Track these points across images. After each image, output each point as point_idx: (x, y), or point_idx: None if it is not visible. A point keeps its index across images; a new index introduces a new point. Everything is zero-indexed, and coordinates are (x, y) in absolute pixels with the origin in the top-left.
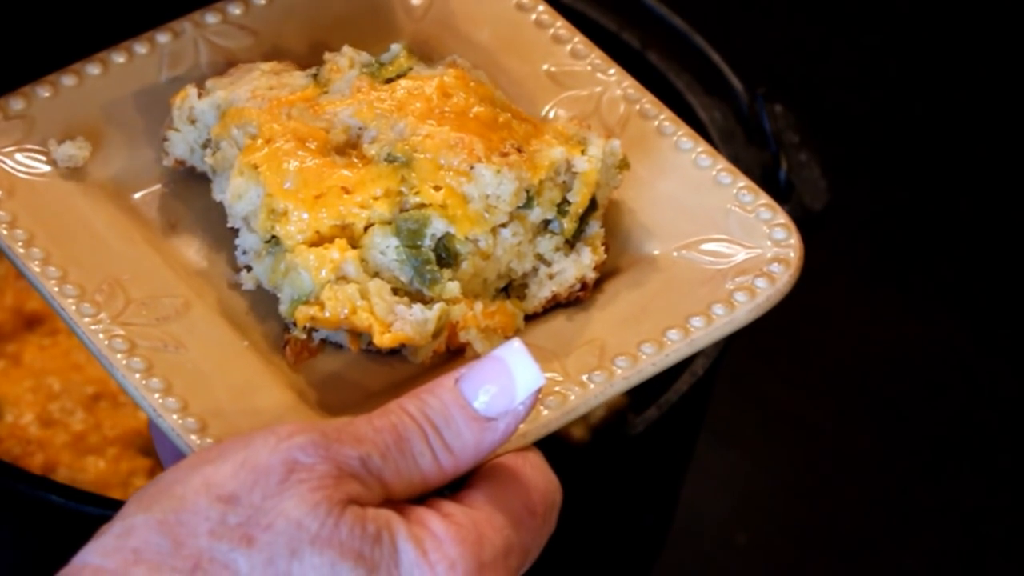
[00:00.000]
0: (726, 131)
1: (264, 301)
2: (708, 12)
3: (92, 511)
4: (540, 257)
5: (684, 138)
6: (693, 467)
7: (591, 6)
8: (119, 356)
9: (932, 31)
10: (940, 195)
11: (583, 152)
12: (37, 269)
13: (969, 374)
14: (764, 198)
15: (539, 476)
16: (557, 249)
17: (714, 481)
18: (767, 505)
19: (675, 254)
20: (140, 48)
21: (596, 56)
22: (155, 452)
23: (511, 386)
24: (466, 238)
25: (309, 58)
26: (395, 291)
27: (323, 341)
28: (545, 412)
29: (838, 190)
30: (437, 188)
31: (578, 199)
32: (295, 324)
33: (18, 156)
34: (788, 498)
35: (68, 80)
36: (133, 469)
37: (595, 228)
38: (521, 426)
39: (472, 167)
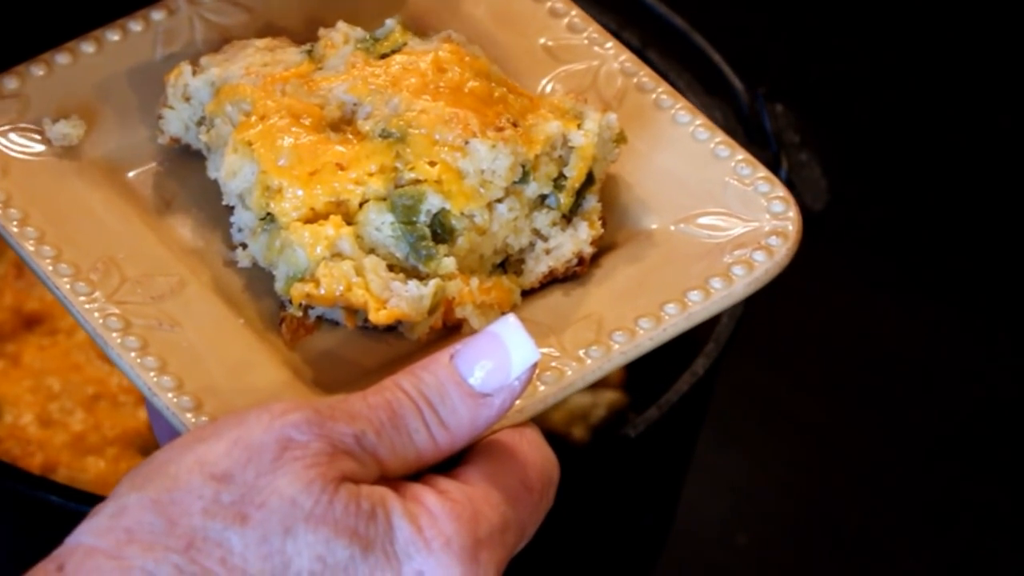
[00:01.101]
0: (726, 131)
1: (259, 279)
2: (708, 11)
3: None
4: (537, 232)
5: (682, 111)
6: (693, 467)
7: (591, 5)
8: (114, 335)
9: (933, 31)
10: (941, 195)
11: (579, 126)
12: (31, 248)
13: (970, 374)
14: (762, 171)
15: (536, 452)
16: (554, 224)
17: (714, 481)
18: (767, 505)
19: (672, 228)
20: (135, 26)
21: (593, 29)
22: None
23: (506, 361)
24: (462, 214)
25: (304, 34)
26: (391, 267)
27: (319, 318)
28: (542, 387)
29: (838, 190)
30: (432, 163)
31: (574, 173)
32: (291, 302)
33: (12, 135)
34: (788, 498)
35: (62, 58)
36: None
37: (592, 202)
38: (517, 402)
39: (467, 142)
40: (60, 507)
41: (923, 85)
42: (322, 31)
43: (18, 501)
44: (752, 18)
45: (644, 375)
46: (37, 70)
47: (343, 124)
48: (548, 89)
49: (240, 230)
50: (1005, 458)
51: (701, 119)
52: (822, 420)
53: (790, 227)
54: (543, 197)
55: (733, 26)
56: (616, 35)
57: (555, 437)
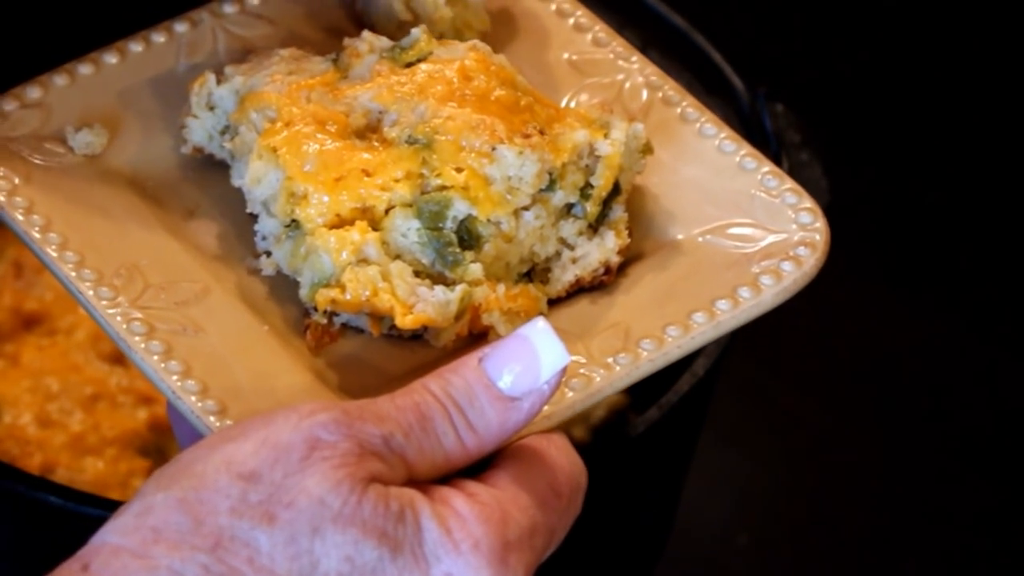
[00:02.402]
0: None
1: (284, 286)
2: (709, 11)
3: (91, 512)
4: (563, 241)
5: (708, 124)
6: (694, 468)
7: (591, 4)
8: (137, 339)
9: (934, 30)
10: (942, 194)
11: (606, 135)
12: (54, 254)
13: (971, 374)
14: (789, 183)
15: (564, 458)
16: (580, 233)
17: (715, 482)
18: (768, 506)
19: (700, 239)
20: (158, 37)
21: (618, 44)
22: (154, 453)
23: (536, 365)
24: (488, 220)
25: (326, 47)
26: (417, 274)
27: (344, 326)
28: (570, 394)
29: (839, 190)
30: (459, 170)
31: (601, 182)
32: (315, 308)
33: (35, 144)
34: (789, 499)
35: (85, 69)
36: (132, 470)
37: (619, 212)
38: (546, 407)
39: (494, 148)
40: (59, 508)
41: (924, 84)
42: (347, 40)
43: (17, 502)
44: (753, 18)
45: None
46: (60, 80)
47: (368, 132)
48: (573, 104)
49: (264, 238)
50: (1006, 458)
51: (727, 132)
52: (822, 420)
53: (818, 237)
54: (570, 206)
55: (734, 25)
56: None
57: None
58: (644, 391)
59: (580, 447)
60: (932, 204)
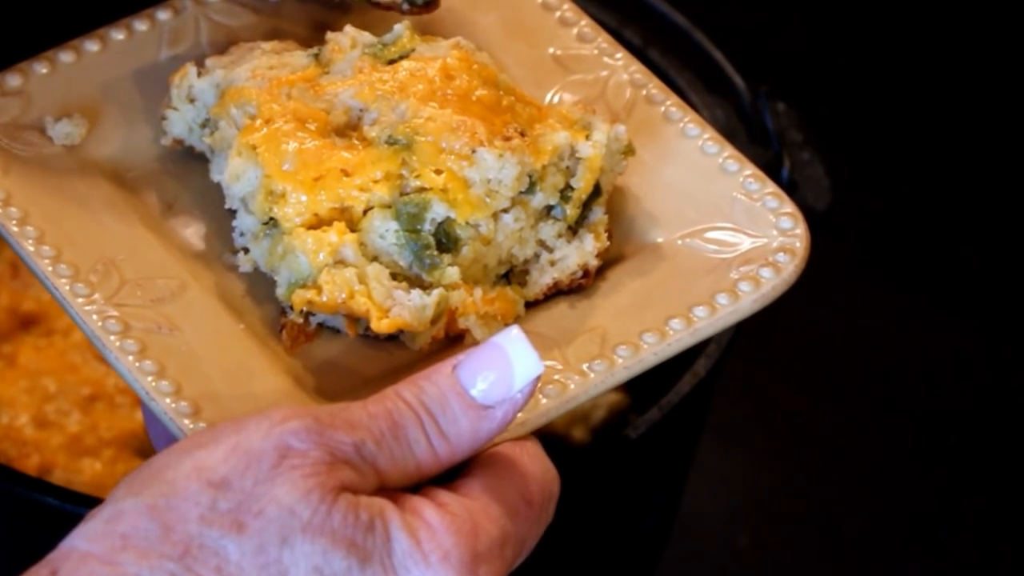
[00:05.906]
0: (728, 130)
1: (261, 284)
2: (710, 9)
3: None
4: (542, 243)
5: (691, 124)
6: (694, 469)
7: (592, 3)
8: (112, 338)
9: (935, 29)
10: (943, 194)
11: (587, 137)
12: (31, 248)
13: (972, 375)
14: (771, 186)
15: (537, 466)
16: (559, 235)
17: (716, 483)
18: (769, 507)
19: (679, 242)
20: (140, 25)
21: (603, 40)
22: (151, 454)
23: (509, 374)
24: (467, 223)
25: (310, 38)
26: (394, 276)
27: (320, 325)
28: (544, 401)
29: (841, 189)
30: (438, 172)
31: (581, 185)
32: (292, 308)
33: (13, 133)
34: (790, 500)
35: (66, 56)
36: (129, 471)
37: (598, 215)
38: (519, 414)
39: (474, 151)
40: (56, 509)
41: (926, 83)
42: (330, 35)
43: (14, 503)
44: (754, 16)
45: (645, 376)
46: (40, 68)
47: (349, 130)
48: (557, 99)
49: (242, 234)
50: (1006, 460)
51: (710, 132)
52: (824, 421)
53: (798, 244)
54: (549, 208)
55: (735, 24)
56: (617, 33)
57: (555, 438)
58: (645, 391)
59: (580, 448)
60: (933, 204)
